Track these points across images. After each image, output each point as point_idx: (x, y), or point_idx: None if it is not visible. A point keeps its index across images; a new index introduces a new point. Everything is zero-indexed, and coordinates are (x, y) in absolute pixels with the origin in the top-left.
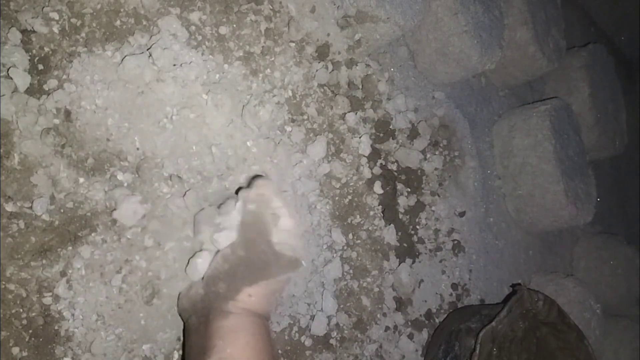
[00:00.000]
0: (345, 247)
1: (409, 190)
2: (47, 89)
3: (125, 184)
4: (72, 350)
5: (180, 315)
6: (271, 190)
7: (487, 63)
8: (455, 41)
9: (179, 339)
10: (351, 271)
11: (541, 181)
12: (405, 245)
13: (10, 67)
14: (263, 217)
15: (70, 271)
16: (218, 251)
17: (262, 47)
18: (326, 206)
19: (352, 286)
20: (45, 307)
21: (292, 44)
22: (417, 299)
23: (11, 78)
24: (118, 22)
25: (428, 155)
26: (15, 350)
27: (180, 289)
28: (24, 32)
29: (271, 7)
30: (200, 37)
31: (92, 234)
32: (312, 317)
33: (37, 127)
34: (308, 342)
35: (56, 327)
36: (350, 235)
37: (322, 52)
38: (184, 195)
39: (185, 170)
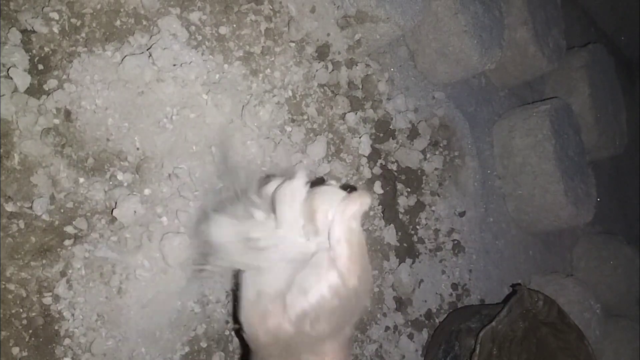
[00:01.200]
0: None
1: (409, 190)
2: (47, 89)
3: (125, 184)
4: (72, 350)
5: (242, 336)
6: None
7: (487, 63)
8: (455, 41)
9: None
10: None
11: (541, 181)
12: (405, 245)
13: (10, 67)
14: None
15: (70, 271)
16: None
17: (262, 47)
18: None
19: None
20: (45, 307)
21: (292, 44)
22: (417, 299)
23: (11, 78)
24: (118, 22)
25: (428, 155)
26: (15, 350)
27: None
28: (24, 32)
29: (271, 7)
30: (200, 37)
31: (92, 234)
32: None
33: (37, 127)
34: None
35: (56, 327)
36: None
37: (322, 52)
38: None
39: (185, 170)
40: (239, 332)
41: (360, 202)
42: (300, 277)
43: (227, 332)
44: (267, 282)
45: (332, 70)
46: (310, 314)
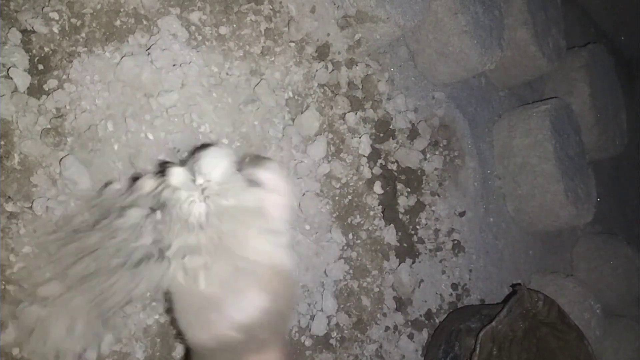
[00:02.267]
0: (345, 247)
1: (409, 190)
2: (47, 89)
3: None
4: None
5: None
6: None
7: (487, 63)
8: (455, 41)
9: None
10: (351, 271)
11: (541, 181)
12: (405, 245)
13: (10, 67)
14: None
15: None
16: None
17: (262, 47)
18: (326, 206)
19: (352, 286)
20: None
21: (292, 44)
22: (417, 299)
23: (11, 78)
24: (118, 22)
25: (428, 155)
26: (16, 351)
27: None
28: (24, 32)
29: (271, 7)
30: (200, 37)
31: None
32: (312, 317)
33: (37, 127)
34: (308, 342)
35: None
36: (351, 235)
37: (322, 52)
38: None
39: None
40: (180, 338)
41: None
42: (228, 292)
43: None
44: (199, 294)
45: (332, 70)
46: (252, 325)
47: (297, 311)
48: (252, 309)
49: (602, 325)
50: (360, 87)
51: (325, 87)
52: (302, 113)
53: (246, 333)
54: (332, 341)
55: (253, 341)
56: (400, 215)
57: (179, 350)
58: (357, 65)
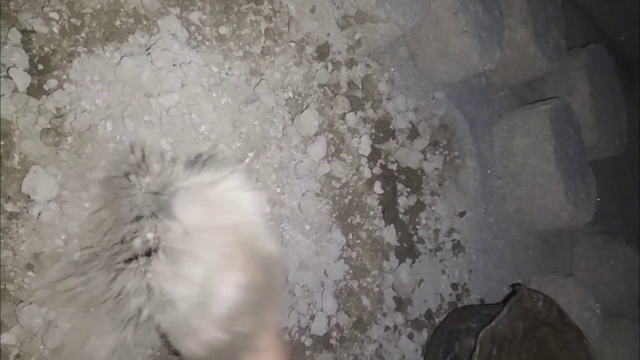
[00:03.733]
0: (345, 247)
1: (409, 190)
2: (47, 89)
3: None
4: None
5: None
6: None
7: (487, 63)
8: (456, 41)
9: None
10: (351, 271)
11: (541, 181)
12: (405, 245)
13: (10, 67)
14: (248, 223)
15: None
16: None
17: (262, 47)
18: (326, 206)
19: (352, 286)
20: None
21: (292, 44)
22: (417, 299)
23: (11, 78)
24: (118, 22)
25: (428, 155)
26: (15, 351)
27: None
28: (24, 32)
29: (271, 7)
30: (200, 37)
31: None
32: (312, 317)
33: (37, 127)
34: (308, 342)
35: None
36: (350, 235)
37: (322, 52)
38: None
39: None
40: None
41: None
42: (202, 290)
43: None
44: (178, 305)
45: (332, 70)
46: (232, 315)
47: (297, 311)
48: (229, 294)
49: (602, 325)
50: (360, 87)
51: (325, 87)
52: (301, 113)
53: (230, 330)
54: (332, 341)
55: (241, 339)
56: (400, 215)
57: None
58: (357, 65)
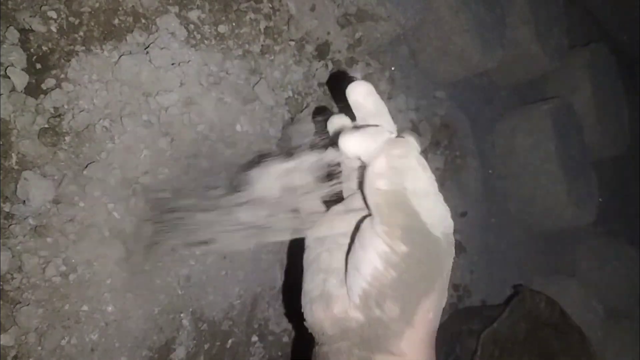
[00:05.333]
0: None
1: None
2: (45, 88)
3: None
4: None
5: (311, 332)
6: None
7: (488, 62)
8: (457, 40)
9: None
10: None
11: (543, 181)
12: None
13: (8, 66)
14: (406, 193)
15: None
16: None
17: (262, 45)
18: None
19: None
20: None
21: (292, 43)
22: None
23: (9, 77)
24: (116, 21)
25: (429, 155)
26: (12, 353)
27: None
28: (21, 30)
29: (271, 6)
30: (199, 36)
31: None
32: None
33: (35, 126)
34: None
35: None
36: None
37: (322, 51)
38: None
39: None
40: (300, 324)
41: (393, 150)
42: (352, 251)
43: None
44: (327, 261)
45: (333, 69)
46: (372, 292)
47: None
48: (367, 267)
49: (604, 326)
50: None
51: (325, 86)
52: (301, 112)
53: (370, 310)
54: None
55: (384, 328)
56: None
57: None
58: (357, 64)
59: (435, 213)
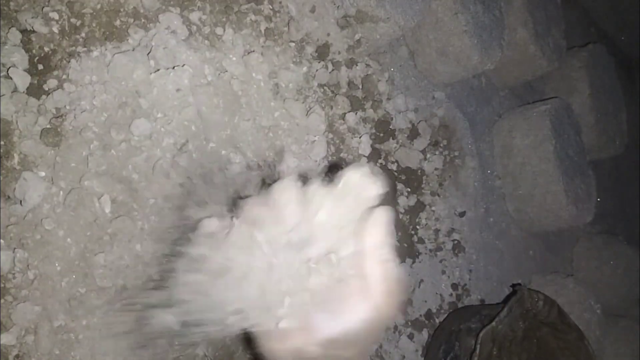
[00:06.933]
0: None
1: (409, 190)
2: (46, 88)
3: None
4: None
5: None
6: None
7: (487, 63)
8: (456, 41)
9: None
10: None
11: (541, 181)
12: (405, 245)
13: (10, 67)
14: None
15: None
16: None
17: (262, 47)
18: None
19: None
20: None
21: (292, 44)
22: (417, 299)
23: (11, 78)
24: (118, 22)
25: (428, 155)
26: (14, 352)
27: None
28: (24, 32)
29: (271, 7)
30: (200, 37)
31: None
32: None
33: (37, 127)
34: None
35: None
36: None
37: (322, 52)
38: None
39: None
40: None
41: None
42: (328, 299)
43: None
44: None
45: (332, 70)
46: (340, 341)
47: None
48: (347, 322)
49: (602, 326)
50: (360, 87)
51: (325, 87)
52: (307, 116)
53: (328, 349)
54: None
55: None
56: (400, 215)
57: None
58: (357, 65)
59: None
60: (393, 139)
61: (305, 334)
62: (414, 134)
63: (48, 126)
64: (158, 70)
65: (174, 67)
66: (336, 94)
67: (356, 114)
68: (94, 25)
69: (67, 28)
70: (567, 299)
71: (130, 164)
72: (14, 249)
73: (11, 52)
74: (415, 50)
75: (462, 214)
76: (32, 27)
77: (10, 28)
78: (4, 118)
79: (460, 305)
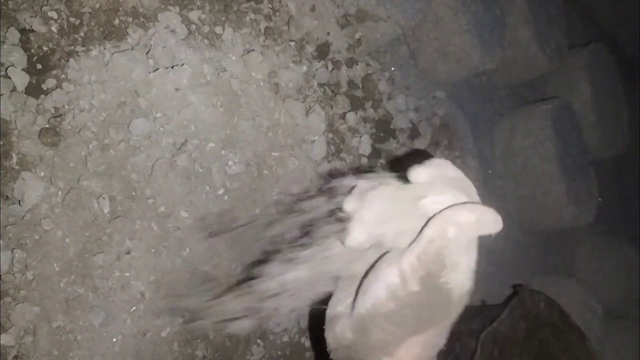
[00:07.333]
0: None
1: None
2: (45, 88)
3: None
4: None
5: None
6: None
7: (488, 62)
8: (456, 40)
9: None
10: None
11: (543, 181)
12: None
13: (8, 67)
14: (448, 248)
15: None
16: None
17: (262, 46)
18: None
19: None
20: None
21: (292, 43)
22: None
23: (10, 77)
24: (117, 21)
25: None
26: (13, 352)
27: None
28: (22, 31)
29: (271, 6)
30: (199, 36)
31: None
32: None
33: (35, 126)
34: (308, 343)
35: None
36: None
37: (322, 51)
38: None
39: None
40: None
41: (482, 219)
42: (367, 277)
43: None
44: (341, 286)
45: (332, 69)
46: (366, 318)
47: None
48: (372, 294)
49: (603, 326)
50: (361, 86)
51: (325, 87)
52: (307, 115)
53: (360, 334)
54: None
55: (364, 350)
56: None
57: None
58: (357, 64)
59: (462, 275)
60: (393, 138)
61: (347, 314)
62: (414, 133)
63: (47, 126)
64: (157, 69)
65: (173, 67)
66: (336, 94)
67: (356, 113)
68: (92, 24)
69: (66, 27)
70: (569, 300)
71: (129, 163)
72: (13, 249)
73: (10, 52)
74: (415, 49)
75: None
76: (31, 27)
77: (9, 27)
78: (2, 118)
79: None
